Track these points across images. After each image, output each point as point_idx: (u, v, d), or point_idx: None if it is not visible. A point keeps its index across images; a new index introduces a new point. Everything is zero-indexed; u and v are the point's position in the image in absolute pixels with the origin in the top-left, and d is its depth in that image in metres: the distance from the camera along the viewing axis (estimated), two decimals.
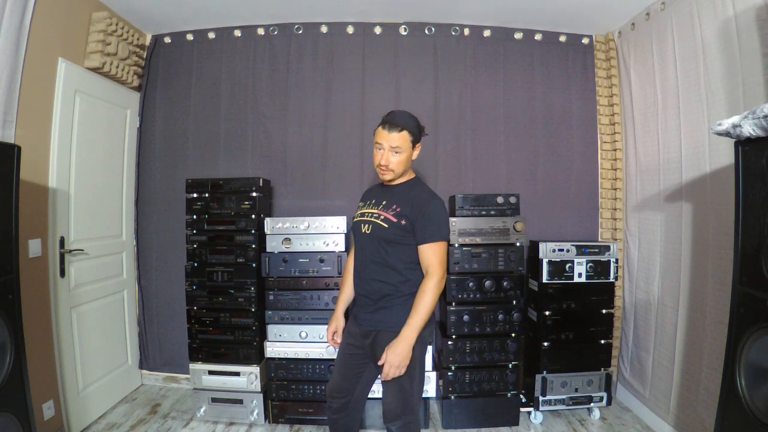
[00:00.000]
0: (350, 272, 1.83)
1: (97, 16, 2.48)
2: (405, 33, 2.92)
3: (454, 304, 2.42)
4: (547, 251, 2.48)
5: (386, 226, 1.61)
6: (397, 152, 1.61)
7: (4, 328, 1.47)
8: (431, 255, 1.57)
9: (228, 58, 2.95)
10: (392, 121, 1.60)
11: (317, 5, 2.69)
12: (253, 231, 2.47)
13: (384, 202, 1.67)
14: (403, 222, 1.60)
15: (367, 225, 1.67)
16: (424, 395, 2.38)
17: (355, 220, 1.75)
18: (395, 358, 1.49)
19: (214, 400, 2.50)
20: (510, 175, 2.94)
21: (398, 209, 1.62)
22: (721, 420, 1.35)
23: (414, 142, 1.64)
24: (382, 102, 2.87)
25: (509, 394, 2.46)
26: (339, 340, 1.83)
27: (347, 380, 1.76)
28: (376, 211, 1.67)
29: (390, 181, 1.69)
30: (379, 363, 1.54)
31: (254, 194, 2.48)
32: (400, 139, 1.59)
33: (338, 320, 1.86)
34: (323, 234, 2.46)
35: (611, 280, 2.50)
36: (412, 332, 1.52)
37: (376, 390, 2.30)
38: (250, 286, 2.46)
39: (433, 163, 2.91)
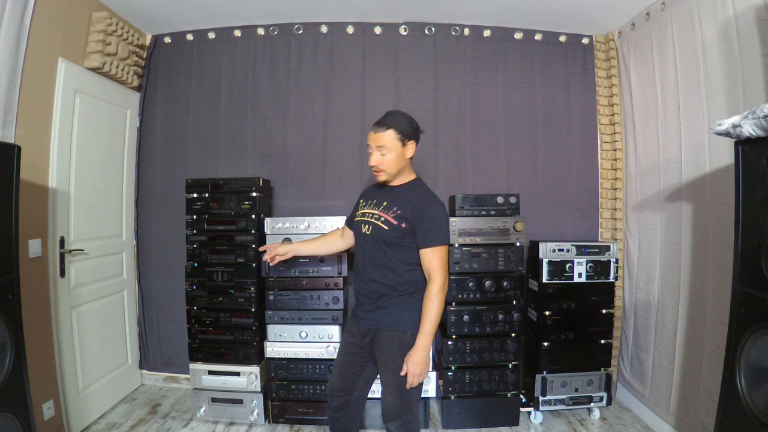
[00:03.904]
0: (325, 237, 1.99)
1: (97, 16, 2.48)
2: (405, 33, 2.92)
3: (454, 304, 2.42)
4: (547, 251, 2.48)
5: (386, 228, 1.61)
6: (383, 152, 1.60)
7: (4, 328, 1.47)
8: (433, 259, 1.58)
9: (228, 58, 2.95)
10: (379, 122, 1.62)
11: (317, 5, 2.69)
12: (253, 231, 2.47)
13: (385, 203, 1.67)
14: (403, 225, 1.60)
15: (367, 226, 1.67)
16: (424, 395, 2.38)
17: (356, 219, 1.75)
18: (416, 367, 1.54)
19: (214, 400, 2.50)
20: (510, 175, 2.94)
21: (399, 211, 1.62)
22: (721, 420, 1.35)
23: (403, 140, 1.61)
24: (382, 102, 2.87)
25: (509, 394, 2.46)
26: (268, 257, 1.86)
27: (347, 379, 1.77)
28: (376, 212, 1.67)
29: (386, 181, 1.68)
30: (401, 374, 1.56)
31: (254, 194, 2.48)
32: (384, 138, 1.59)
33: (285, 247, 1.88)
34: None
35: (611, 280, 2.50)
36: (426, 340, 1.55)
37: (376, 390, 2.29)
38: (250, 286, 2.45)
39: (433, 163, 2.91)
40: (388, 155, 1.61)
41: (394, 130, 1.60)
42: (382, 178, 1.66)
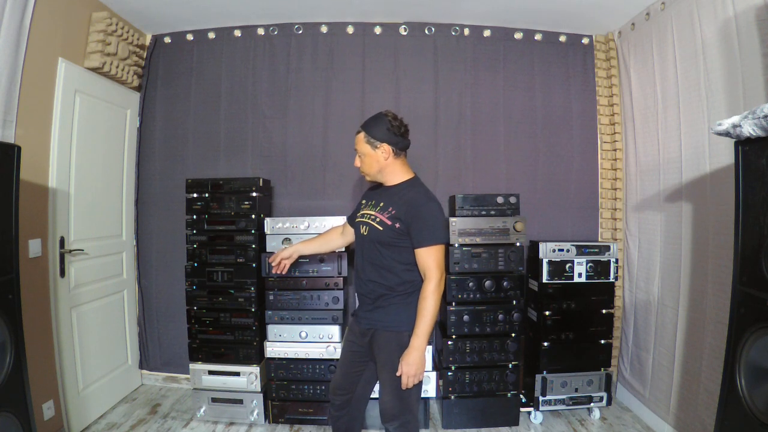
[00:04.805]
0: (325, 235, 2.06)
1: (97, 16, 2.48)
2: (405, 33, 2.92)
3: (454, 304, 2.42)
4: (547, 251, 2.48)
5: (381, 228, 1.62)
6: (359, 154, 1.67)
7: (4, 328, 1.47)
8: (428, 258, 1.57)
9: (228, 58, 2.95)
10: (362, 123, 1.67)
11: (317, 5, 2.69)
12: (253, 231, 2.47)
13: (381, 204, 1.67)
14: (397, 225, 1.59)
15: (365, 227, 1.68)
16: (424, 395, 2.39)
17: (356, 220, 1.76)
18: (410, 368, 1.53)
19: (214, 400, 2.50)
20: (510, 175, 2.94)
21: (393, 212, 1.61)
22: (721, 420, 1.35)
23: (373, 143, 1.61)
24: (382, 102, 2.86)
25: (509, 394, 2.46)
26: (277, 266, 2.00)
27: (349, 378, 1.77)
28: (373, 212, 1.67)
29: (374, 182, 1.72)
30: (397, 374, 1.55)
31: (254, 194, 2.48)
32: (357, 141, 1.66)
33: (288, 250, 2.00)
34: None
35: (611, 280, 2.50)
36: (421, 340, 1.54)
37: (376, 389, 2.29)
38: (250, 286, 2.45)
39: (433, 163, 2.91)
40: (363, 157, 1.66)
41: (364, 133, 1.63)
42: (366, 178, 1.73)
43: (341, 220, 2.46)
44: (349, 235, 1.94)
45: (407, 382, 1.54)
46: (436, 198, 1.66)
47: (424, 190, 1.67)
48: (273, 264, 1.95)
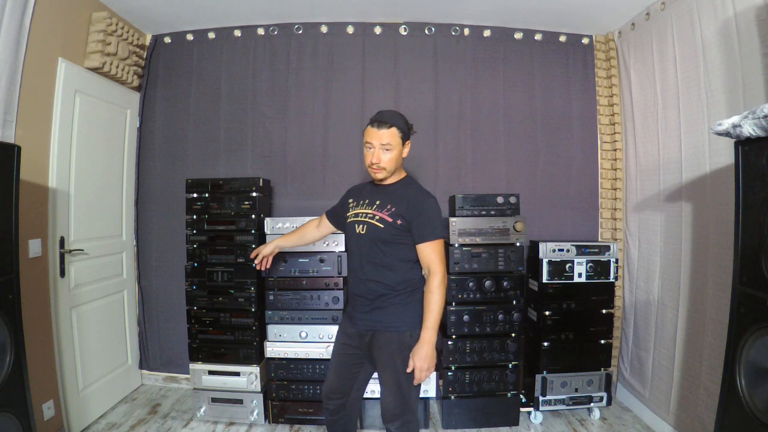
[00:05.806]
0: (302, 229, 2.00)
1: (97, 16, 2.48)
2: (405, 33, 2.92)
3: (454, 304, 2.42)
4: (547, 251, 2.48)
5: (382, 226, 1.61)
6: (387, 149, 1.61)
7: (4, 328, 1.47)
8: (432, 253, 1.58)
9: (228, 58, 2.95)
10: (381, 119, 1.62)
11: (317, 5, 2.69)
12: (253, 231, 2.47)
13: (378, 202, 1.67)
14: (398, 222, 1.60)
15: (361, 225, 1.66)
16: (424, 395, 2.39)
17: (349, 221, 1.74)
18: (423, 362, 1.54)
19: (214, 400, 2.50)
20: (510, 175, 2.94)
21: (393, 209, 1.62)
22: (721, 420, 1.35)
23: (403, 139, 1.64)
24: (382, 102, 2.86)
25: (509, 394, 2.46)
26: (259, 263, 1.92)
27: (343, 381, 1.76)
28: (370, 211, 1.67)
29: (382, 179, 1.68)
30: (408, 371, 1.56)
31: (254, 194, 2.48)
32: (389, 135, 1.60)
33: (269, 247, 1.92)
34: None
35: (611, 280, 2.50)
36: (431, 333, 1.55)
37: (376, 390, 2.30)
38: (250, 286, 2.46)
39: (433, 163, 2.91)
40: (392, 152, 1.62)
41: (396, 128, 1.61)
42: (380, 175, 1.65)
43: None
44: (325, 229, 1.95)
45: (420, 376, 1.54)
46: (432, 194, 1.68)
47: (421, 188, 1.71)
48: (255, 261, 1.93)
